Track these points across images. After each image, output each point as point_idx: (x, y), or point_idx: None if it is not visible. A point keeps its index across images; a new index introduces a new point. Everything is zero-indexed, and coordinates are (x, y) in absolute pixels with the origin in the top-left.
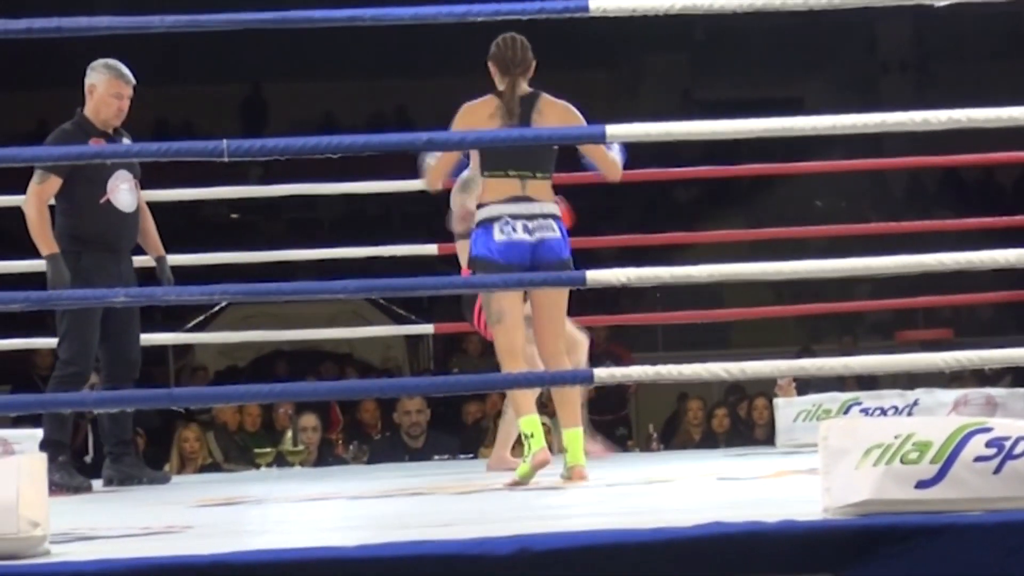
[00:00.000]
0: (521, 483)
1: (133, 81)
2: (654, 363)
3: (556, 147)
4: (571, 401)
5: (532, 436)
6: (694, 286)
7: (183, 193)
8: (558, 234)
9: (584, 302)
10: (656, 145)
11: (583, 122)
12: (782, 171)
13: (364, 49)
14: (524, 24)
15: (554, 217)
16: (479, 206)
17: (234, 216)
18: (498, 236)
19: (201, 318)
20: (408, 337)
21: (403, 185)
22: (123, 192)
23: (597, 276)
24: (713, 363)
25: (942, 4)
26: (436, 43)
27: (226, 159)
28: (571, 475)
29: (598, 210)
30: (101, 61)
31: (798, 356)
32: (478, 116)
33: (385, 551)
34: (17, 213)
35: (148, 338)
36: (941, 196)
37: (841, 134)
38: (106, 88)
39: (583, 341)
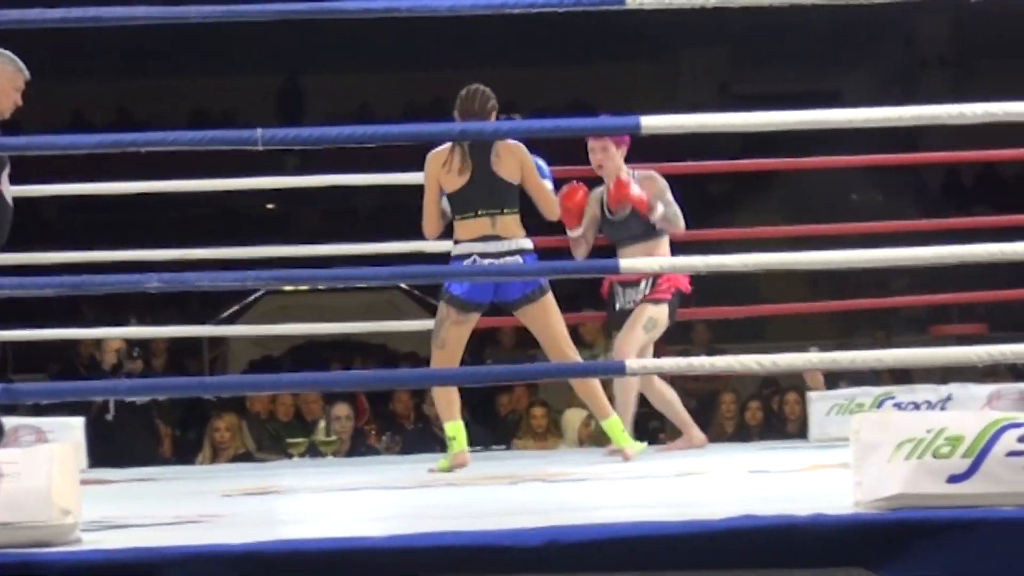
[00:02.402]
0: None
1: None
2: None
3: (517, 183)
4: (596, 398)
5: (455, 439)
6: (730, 281)
7: (218, 183)
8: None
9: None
10: (691, 138)
11: (531, 161)
12: (817, 164)
13: (401, 40)
14: (560, 16)
15: (522, 252)
16: (454, 242)
17: (270, 207)
18: None
19: (236, 308)
20: None
21: None
22: (6, 184)
23: (630, 265)
24: (745, 355)
25: None
26: (473, 34)
27: (260, 148)
28: (624, 458)
29: None
30: (4, 53)
31: (834, 350)
32: (434, 165)
33: (415, 542)
34: (54, 202)
35: (182, 330)
36: (979, 192)
37: (878, 128)
38: (10, 81)
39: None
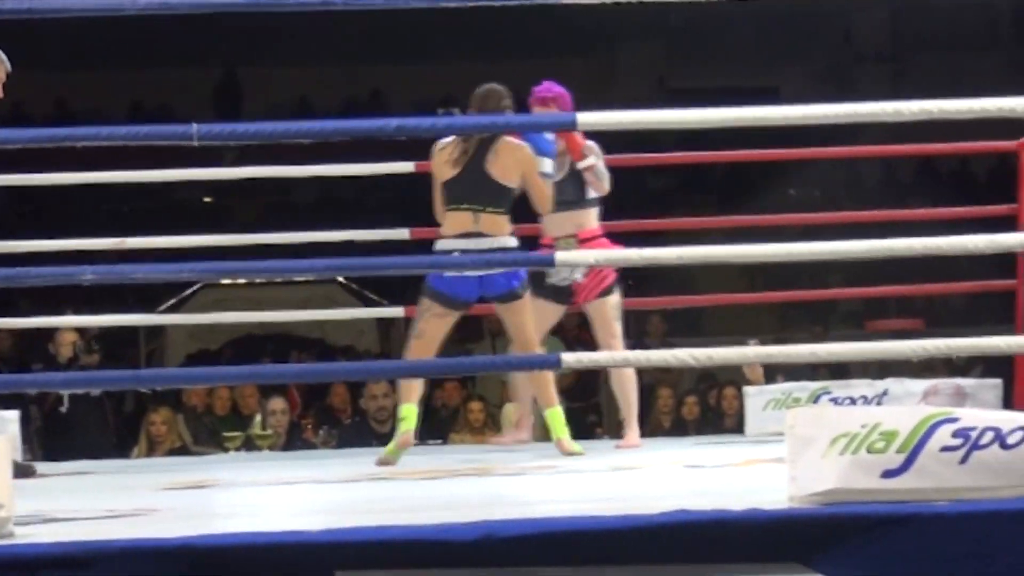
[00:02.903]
0: (389, 462)
1: (11, 68)
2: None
3: (512, 186)
4: (545, 387)
5: (405, 419)
6: (666, 274)
7: (156, 175)
8: (505, 267)
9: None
10: (630, 132)
11: (534, 161)
12: (756, 158)
13: (339, 34)
14: (496, 11)
15: (504, 251)
16: (439, 236)
17: (208, 199)
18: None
19: (173, 301)
20: (379, 321)
21: (377, 168)
22: None
23: (565, 257)
24: (681, 349)
25: None
26: (411, 28)
27: (196, 143)
28: (559, 448)
29: None
30: None
31: (771, 344)
32: (437, 155)
33: (351, 536)
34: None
35: (119, 319)
36: (916, 186)
37: (816, 124)
38: None
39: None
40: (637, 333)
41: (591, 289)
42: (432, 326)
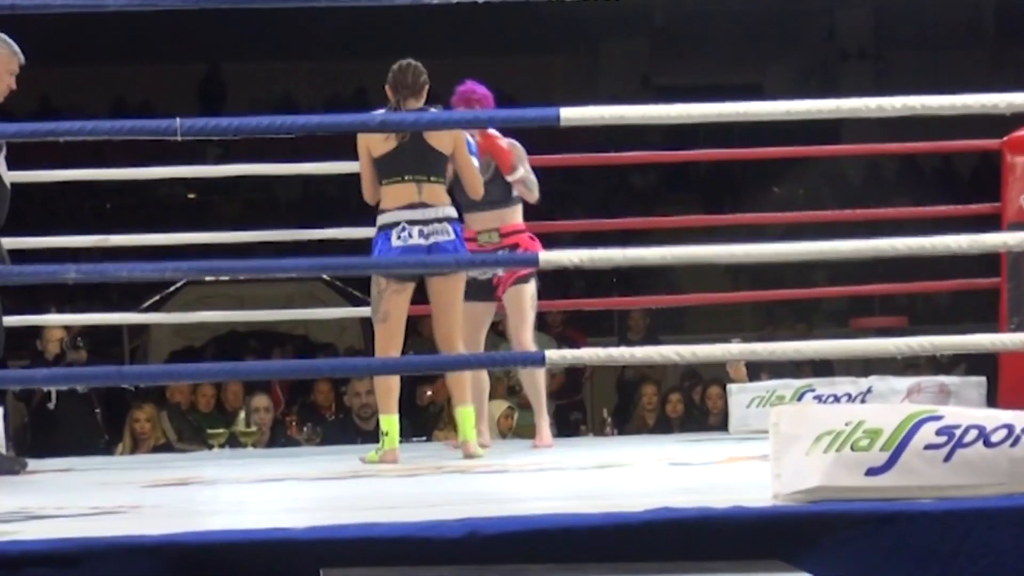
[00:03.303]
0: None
1: (24, 61)
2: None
3: (448, 156)
4: (460, 383)
5: (387, 435)
6: (650, 272)
7: (139, 172)
8: (452, 236)
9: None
10: (614, 130)
11: (463, 138)
12: (739, 156)
13: (323, 30)
14: (479, 8)
15: (449, 220)
16: (379, 212)
17: (191, 196)
18: (395, 242)
19: (156, 298)
20: (364, 319)
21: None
22: (3, 167)
23: (550, 257)
24: (665, 347)
25: None
26: (395, 25)
27: (179, 138)
28: (463, 450)
29: (554, 196)
30: None
31: (755, 342)
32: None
33: (335, 533)
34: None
35: (102, 318)
36: (899, 184)
37: (799, 121)
38: (4, 64)
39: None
40: (620, 330)
41: (507, 279)
42: (393, 305)
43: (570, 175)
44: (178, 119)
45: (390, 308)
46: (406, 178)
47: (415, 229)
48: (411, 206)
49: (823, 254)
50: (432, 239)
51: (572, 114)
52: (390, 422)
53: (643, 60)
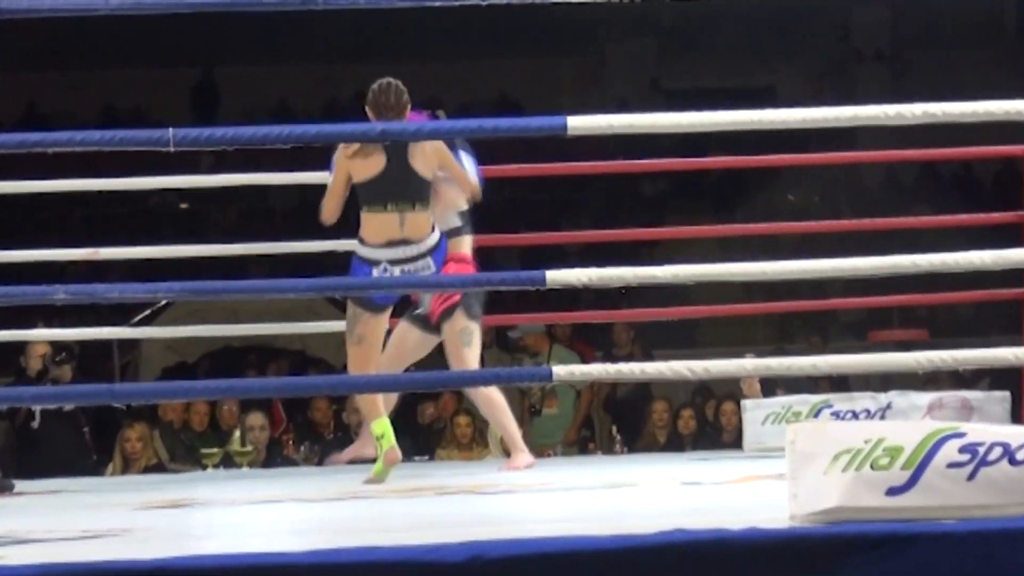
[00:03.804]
0: (376, 480)
1: None
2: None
3: (430, 179)
4: (368, 398)
5: (383, 436)
6: (658, 283)
7: (130, 182)
8: (433, 270)
9: (544, 298)
10: (622, 136)
11: (448, 152)
12: (753, 164)
13: (320, 33)
14: (482, 10)
15: (432, 252)
16: (360, 241)
17: (184, 206)
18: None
19: (148, 312)
20: None
21: None
22: None
23: (557, 276)
24: (677, 362)
25: None
26: (395, 28)
27: (172, 149)
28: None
29: (560, 204)
30: None
31: (769, 356)
32: (346, 151)
33: (335, 557)
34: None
35: (91, 333)
36: (918, 191)
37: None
38: None
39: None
40: (605, 345)
41: (435, 312)
42: (369, 328)
43: (577, 182)
44: (171, 129)
45: (365, 331)
46: (389, 207)
47: (396, 270)
48: (391, 243)
49: (840, 271)
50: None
51: (580, 123)
52: (381, 424)
53: (651, 62)
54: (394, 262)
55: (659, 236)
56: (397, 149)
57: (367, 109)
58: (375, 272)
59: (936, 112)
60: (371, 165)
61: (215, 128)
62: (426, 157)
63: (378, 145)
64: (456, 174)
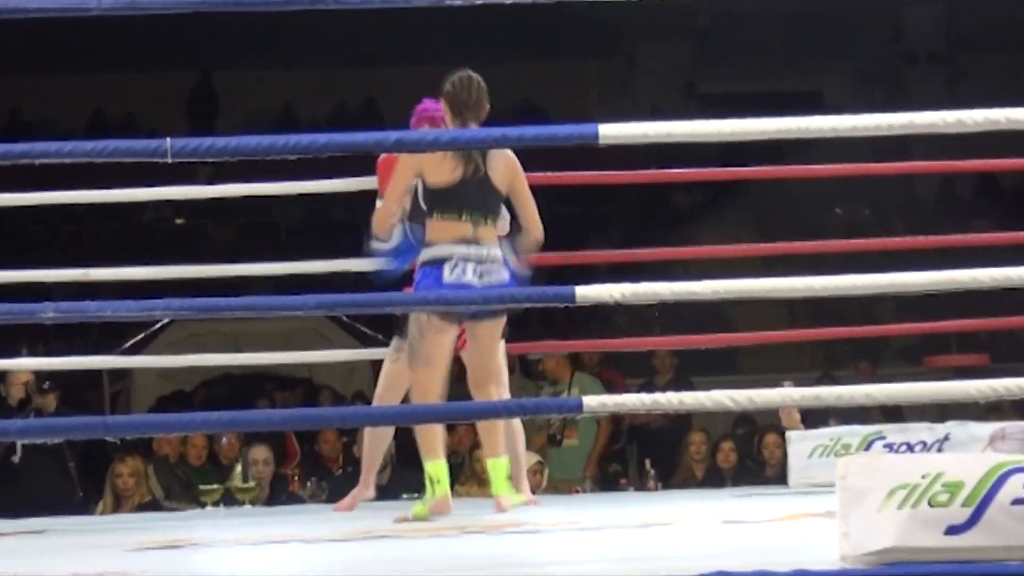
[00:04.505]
0: (413, 519)
1: None
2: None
3: (504, 191)
4: (493, 432)
5: (438, 482)
6: (698, 304)
7: (121, 194)
8: (506, 278)
9: (573, 322)
10: (654, 143)
11: (522, 175)
12: (796, 174)
13: (328, 34)
14: (505, 10)
15: (503, 262)
16: (426, 245)
17: (180, 221)
18: (447, 277)
19: (141, 336)
20: (375, 361)
21: (371, 183)
22: None
23: (587, 292)
24: (717, 391)
25: None
26: (408, 28)
27: (169, 160)
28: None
29: (589, 217)
30: None
31: (816, 384)
32: (434, 156)
33: None
34: None
35: (79, 362)
36: (977, 203)
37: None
38: None
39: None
40: (646, 371)
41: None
42: (438, 347)
43: (605, 193)
44: (168, 139)
45: (434, 352)
46: (463, 216)
47: (469, 266)
48: (464, 241)
49: (893, 287)
50: (486, 279)
51: (613, 131)
52: (437, 468)
53: (686, 65)
54: (466, 259)
55: (693, 255)
56: (477, 155)
57: (443, 103)
58: (447, 268)
59: (999, 119)
60: (448, 169)
61: (216, 138)
62: (500, 173)
63: (465, 152)
64: (526, 203)
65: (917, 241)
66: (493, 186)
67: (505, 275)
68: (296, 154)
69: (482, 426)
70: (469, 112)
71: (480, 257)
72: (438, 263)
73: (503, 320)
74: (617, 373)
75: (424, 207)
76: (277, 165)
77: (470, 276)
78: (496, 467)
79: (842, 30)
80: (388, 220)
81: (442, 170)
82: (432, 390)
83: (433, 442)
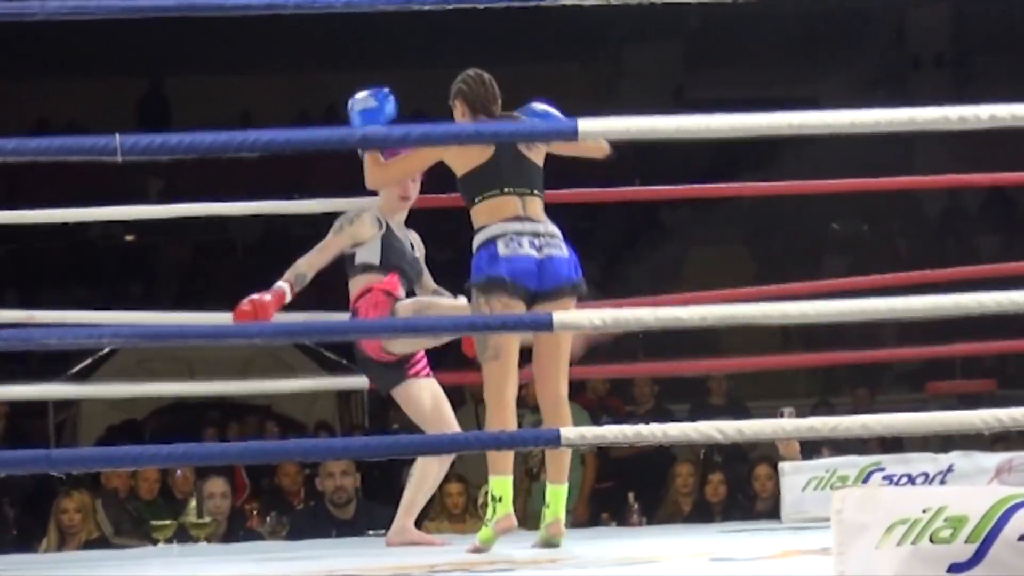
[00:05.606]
0: (483, 549)
1: None
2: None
3: (541, 163)
4: (559, 457)
5: (500, 500)
6: (684, 330)
7: (67, 213)
8: (566, 253)
9: None
10: (641, 155)
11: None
12: (790, 190)
13: (288, 38)
14: (481, 11)
15: (562, 239)
16: (476, 230)
17: (130, 238)
18: (503, 251)
19: (87, 362)
20: (339, 392)
21: (332, 204)
22: None
23: (565, 319)
24: (704, 422)
25: None
26: (375, 31)
27: (119, 159)
28: (547, 531)
29: (571, 234)
30: None
31: (811, 412)
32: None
33: None
34: None
35: (21, 392)
36: (983, 219)
37: (863, 143)
38: None
39: None
40: (628, 400)
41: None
42: (506, 336)
43: (588, 211)
44: (117, 136)
45: (500, 340)
46: (506, 190)
47: (524, 239)
48: (517, 218)
49: (894, 313)
50: (545, 252)
51: (592, 126)
52: (502, 485)
53: (675, 69)
54: (520, 233)
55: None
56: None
57: (458, 103)
58: (501, 243)
59: (1006, 116)
60: (475, 153)
61: (169, 135)
62: (536, 147)
63: None
64: (572, 148)
65: (925, 276)
66: (527, 158)
67: (565, 251)
68: (254, 151)
69: (550, 452)
70: (493, 106)
71: (536, 231)
72: (492, 241)
73: (572, 301)
74: (621, 402)
75: (465, 199)
76: (234, 182)
77: (527, 249)
78: (554, 494)
79: (841, 33)
80: (384, 177)
81: (467, 155)
82: (506, 384)
83: (499, 457)
